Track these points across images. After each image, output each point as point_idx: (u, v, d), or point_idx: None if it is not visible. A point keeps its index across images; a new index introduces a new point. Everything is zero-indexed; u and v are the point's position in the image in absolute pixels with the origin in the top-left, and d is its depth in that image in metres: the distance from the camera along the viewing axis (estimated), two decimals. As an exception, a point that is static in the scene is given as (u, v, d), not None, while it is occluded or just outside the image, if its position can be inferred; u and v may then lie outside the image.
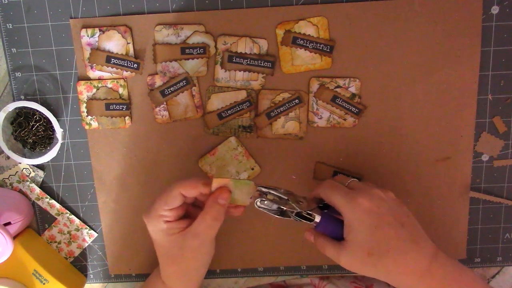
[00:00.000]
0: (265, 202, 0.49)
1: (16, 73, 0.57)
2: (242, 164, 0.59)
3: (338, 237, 0.48)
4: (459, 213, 0.60)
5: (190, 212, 0.53)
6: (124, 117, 0.58)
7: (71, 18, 0.56)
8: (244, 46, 0.56)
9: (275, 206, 0.49)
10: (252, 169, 0.59)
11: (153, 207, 0.50)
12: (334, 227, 0.48)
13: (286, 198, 0.49)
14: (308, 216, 0.49)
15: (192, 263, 0.51)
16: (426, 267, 0.46)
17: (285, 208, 0.48)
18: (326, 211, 0.50)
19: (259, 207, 0.49)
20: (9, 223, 0.56)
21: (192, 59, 0.56)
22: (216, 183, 0.49)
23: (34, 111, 0.58)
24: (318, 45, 0.55)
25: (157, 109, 0.58)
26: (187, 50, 0.56)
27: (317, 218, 0.48)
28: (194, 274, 0.53)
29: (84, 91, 0.57)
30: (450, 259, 0.48)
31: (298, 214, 0.49)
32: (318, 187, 0.50)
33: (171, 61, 0.56)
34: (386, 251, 0.45)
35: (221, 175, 0.59)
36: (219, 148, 0.58)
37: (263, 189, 0.49)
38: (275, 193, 0.49)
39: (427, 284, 0.46)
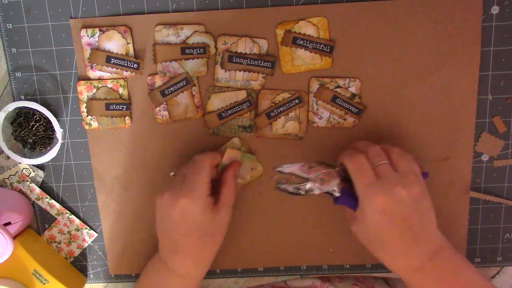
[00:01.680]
0: (284, 185, 0.53)
1: (16, 73, 0.57)
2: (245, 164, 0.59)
3: (352, 206, 0.51)
4: (459, 213, 0.60)
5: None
6: (124, 117, 0.58)
7: (71, 18, 0.56)
8: (244, 46, 0.56)
9: (291, 188, 0.53)
10: (252, 169, 0.59)
11: (194, 184, 0.50)
12: (351, 202, 0.51)
13: (306, 177, 0.52)
14: (329, 193, 0.52)
15: (214, 249, 0.53)
16: (418, 266, 0.48)
17: (303, 193, 0.52)
18: (343, 188, 0.52)
19: (279, 188, 0.54)
20: (9, 223, 0.56)
21: (192, 59, 0.56)
22: (228, 154, 0.55)
23: (34, 111, 0.58)
24: (318, 45, 0.55)
25: (157, 109, 0.58)
26: (187, 50, 0.56)
27: (336, 194, 0.52)
28: (209, 261, 0.54)
29: (84, 91, 0.57)
30: (453, 257, 0.50)
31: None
32: (348, 161, 0.50)
33: (171, 61, 0.56)
34: (382, 246, 0.49)
35: None
36: (222, 148, 0.58)
37: (286, 169, 0.54)
38: (298, 172, 0.53)
39: (417, 281, 0.49)
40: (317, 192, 0.52)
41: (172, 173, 0.56)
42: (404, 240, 0.47)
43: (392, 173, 0.48)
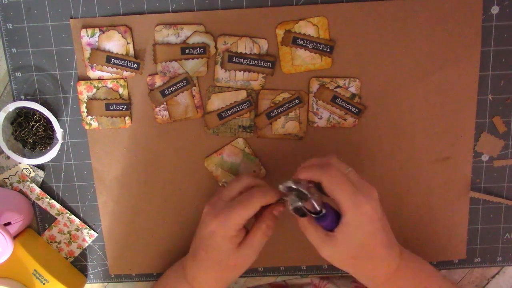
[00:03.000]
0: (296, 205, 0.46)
1: (16, 73, 0.57)
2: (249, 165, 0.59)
3: (325, 226, 0.47)
4: (459, 213, 0.60)
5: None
6: (124, 117, 0.58)
7: (71, 18, 0.56)
8: (244, 46, 0.56)
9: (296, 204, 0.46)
10: (254, 171, 0.59)
11: (231, 214, 0.48)
12: (328, 219, 0.47)
13: (308, 195, 0.46)
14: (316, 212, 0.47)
15: (232, 276, 0.52)
16: (395, 267, 0.48)
17: (305, 208, 0.46)
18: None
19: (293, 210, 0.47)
20: (9, 223, 0.56)
21: (192, 59, 0.56)
22: (228, 149, 0.56)
23: (34, 111, 0.58)
24: (318, 45, 0.55)
25: (157, 109, 0.58)
26: (187, 50, 0.56)
27: (323, 210, 0.46)
28: (230, 281, 0.53)
29: (84, 91, 0.57)
30: (411, 255, 0.51)
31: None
32: (322, 175, 0.46)
33: (171, 61, 0.56)
34: (368, 257, 0.47)
35: (227, 177, 0.59)
36: (226, 148, 0.59)
37: (293, 186, 0.46)
38: (301, 189, 0.46)
39: (395, 283, 0.49)
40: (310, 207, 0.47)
41: (223, 182, 0.57)
42: (385, 244, 0.47)
43: (360, 178, 0.48)
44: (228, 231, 0.48)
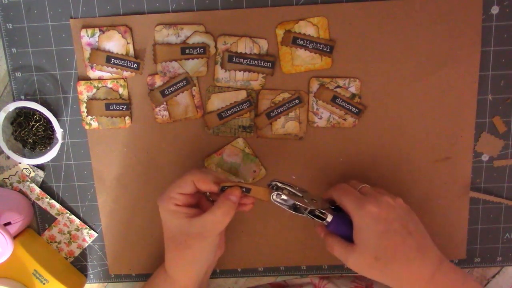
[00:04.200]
0: (281, 196, 0.50)
1: (16, 73, 0.57)
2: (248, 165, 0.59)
3: (348, 238, 0.49)
4: (459, 213, 0.60)
5: (203, 205, 0.54)
6: (124, 117, 0.58)
7: (71, 18, 0.56)
8: (244, 46, 0.56)
9: (290, 202, 0.50)
10: (254, 171, 0.59)
11: (166, 189, 0.51)
12: (344, 228, 0.50)
13: (301, 195, 0.50)
14: (321, 215, 0.50)
15: (194, 253, 0.51)
16: (429, 276, 0.48)
17: (300, 205, 0.49)
18: (337, 212, 0.51)
19: (274, 200, 0.50)
20: (9, 223, 0.56)
21: (192, 59, 0.56)
22: (228, 149, 0.56)
23: (34, 111, 0.58)
24: (318, 45, 0.55)
25: (157, 109, 0.58)
26: (187, 50, 0.56)
27: (329, 218, 0.50)
28: (194, 266, 0.53)
29: (84, 91, 0.57)
30: (455, 268, 0.50)
31: (311, 212, 0.50)
32: (332, 189, 0.52)
33: (171, 61, 0.56)
34: (393, 257, 0.47)
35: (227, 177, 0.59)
36: (226, 149, 0.59)
37: (279, 184, 0.50)
38: (291, 189, 0.50)
39: None
40: (309, 209, 0.50)
41: None
42: (409, 246, 0.47)
43: (375, 190, 0.51)
44: (166, 205, 0.50)
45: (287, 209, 0.50)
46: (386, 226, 0.47)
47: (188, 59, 0.56)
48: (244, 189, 0.51)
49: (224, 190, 0.50)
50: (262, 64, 0.56)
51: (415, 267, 0.48)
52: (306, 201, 0.50)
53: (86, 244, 0.62)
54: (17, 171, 0.60)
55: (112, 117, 0.58)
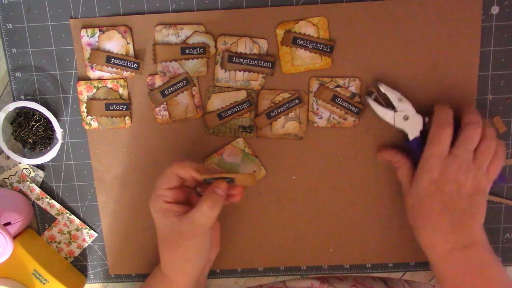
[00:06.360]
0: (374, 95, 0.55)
1: (16, 73, 0.57)
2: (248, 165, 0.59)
3: (417, 150, 0.54)
4: (459, 213, 0.60)
5: (194, 202, 0.53)
6: (124, 117, 0.58)
7: (71, 18, 0.56)
8: (244, 46, 0.56)
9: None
10: (254, 171, 0.59)
11: (154, 187, 0.51)
12: (418, 153, 0.53)
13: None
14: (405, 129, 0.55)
15: (186, 252, 0.51)
16: (446, 250, 0.50)
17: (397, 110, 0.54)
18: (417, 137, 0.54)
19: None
20: (9, 223, 0.56)
21: (192, 59, 0.56)
22: (228, 150, 0.57)
23: (34, 111, 0.58)
24: (318, 45, 0.55)
25: (157, 109, 0.58)
26: (187, 50, 0.56)
27: (411, 136, 0.55)
28: (189, 265, 0.52)
29: (84, 91, 0.57)
30: (485, 257, 0.51)
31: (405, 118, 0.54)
32: (437, 111, 0.53)
33: (171, 61, 0.56)
34: (421, 215, 0.52)
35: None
36: (226, 149, 0.59)
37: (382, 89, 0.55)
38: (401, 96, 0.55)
39: (442, 264, 0.51)
40: (398, 119, 0.54)
41: None
42: (442, 219, 0.50)
43: (465, 160, 0.51)
44: (156, 203, 0.50)
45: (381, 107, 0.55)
46: (434, 192, 0.50)
47: (188, 59, 0.56)
48: (228, 179, 0.50)
49: (210, 183, 0.50)
50: (262, 64, 0.56)
51: (434, 238, 0.51)
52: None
53: (86, 244, 0.62)
54: (17, 171, 0.60)
55: (112, 117, 0.58)
